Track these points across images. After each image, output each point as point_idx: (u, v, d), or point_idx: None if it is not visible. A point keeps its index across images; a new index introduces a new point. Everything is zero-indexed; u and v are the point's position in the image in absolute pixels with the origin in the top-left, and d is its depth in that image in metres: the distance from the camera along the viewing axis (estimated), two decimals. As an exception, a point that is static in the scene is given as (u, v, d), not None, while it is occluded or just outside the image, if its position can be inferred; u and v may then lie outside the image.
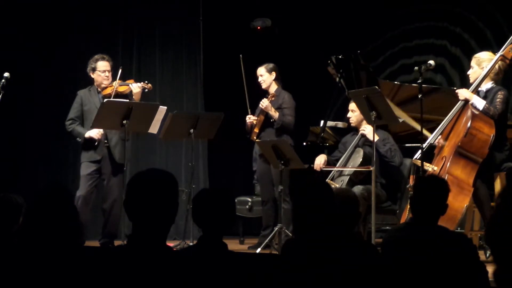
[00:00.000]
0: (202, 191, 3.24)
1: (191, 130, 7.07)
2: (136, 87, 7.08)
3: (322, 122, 7.55)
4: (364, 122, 6.93)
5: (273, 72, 7.46)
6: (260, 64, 7.50)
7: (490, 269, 3.69)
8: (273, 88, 7.47)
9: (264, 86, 7.46)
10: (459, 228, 6.05)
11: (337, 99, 8.03)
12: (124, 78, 7.21)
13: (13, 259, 2.87)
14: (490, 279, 3.65)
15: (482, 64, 6.02)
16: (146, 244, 2.69)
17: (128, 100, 7.03)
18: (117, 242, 7.01)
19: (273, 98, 7.32)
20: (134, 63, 8.98)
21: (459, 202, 5.73)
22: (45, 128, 8.37)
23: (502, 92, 5.97)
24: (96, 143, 7.02)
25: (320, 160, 6.94)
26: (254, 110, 7.52)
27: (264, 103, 7.30)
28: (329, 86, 7.88)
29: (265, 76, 7.45)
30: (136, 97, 7.08)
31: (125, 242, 5.33)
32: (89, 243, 7.03)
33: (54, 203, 2.95)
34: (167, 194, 2.73)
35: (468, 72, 6.13)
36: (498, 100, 5.92)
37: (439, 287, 3.48)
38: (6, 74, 6.80)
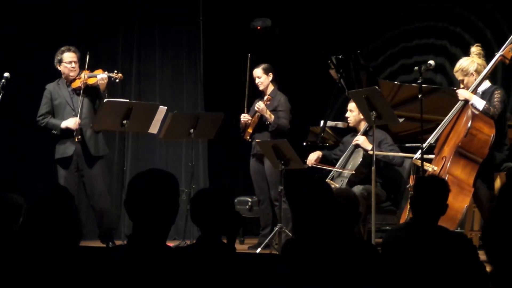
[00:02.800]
0: (199, 191, 3.25)
1: (191, 130, 7.07)
2: (101, 78, 6.96)
3: (322, 122, 7.55)
4: (362, 123, 6.94)
5: (270, 73, 7.45)
6: (258, 64, 7.48)
7: (490, 269, 3.69)
8: (270, 89, 7.46)
9: (261, 87, 7.45)
10: (459, 228, 6.05)
11: (337, 99, 8.03)
12: (92, 68, 7.09)
13: (13, 259, 2.87)
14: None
15: (469, 72, 6.01)
16: (146, 244, 2.69)
17: (127, 100, 7.03)
18: (117, 242, 7.01)
19: (268, 102, 7.31)
20: (134, 63, 8.98)
21: (459, 202, 5.73)
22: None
23: (499, 91, 5.98)
24: (74, 133, 6.89)
25: (313, 157, 6.97)
26: (250, 109, 7.51)
27: (260, 106, 7.28)
28: (329, 86, 7.88)
29: (263, 78, 7.43)
30: (102, 87, 6.98)
31: (125, 242, 5.33)
32: (89, 243, 7.02)
33: (54, 203, 2.95)
34: (168, 195, 2.74)
35: (462, 87, 6.09)
36: (496, 99, 5.92)
37: (439, 287, 3.48)
38: (6, 74, 6.80)
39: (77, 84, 7.03)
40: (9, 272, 2.84)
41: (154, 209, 2.70)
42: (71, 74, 7.05)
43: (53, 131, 7.01)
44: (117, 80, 7.17)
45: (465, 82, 6.06)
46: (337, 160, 7.04)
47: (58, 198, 2.98)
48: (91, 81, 7.00)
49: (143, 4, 9.01)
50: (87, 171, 7.01)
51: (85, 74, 6.95)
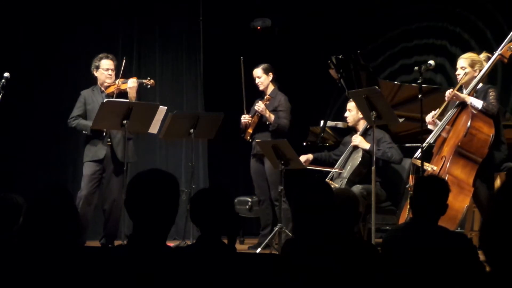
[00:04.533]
0: (199, 191, 3.25)
1: (191, 130, 7.07)
2: (130, 82, 7.06)
3: (322, 122, 7.55)
4: (361, 123, 6.94)
5: (270, 73, 7.45)
6: (258, 65, 7.48)
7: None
8: (270, 89, 7.46)
9: (261, 87, 7.45)
10: (459, 228, 6.06)
11: (337, 99, 8.03)
12: (126, 76, 7.20)
13: (13, 259, 2.87)
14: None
15: (476, 65, 6.02)
16: (146, 244, 2.69)
17: (127, 100, 7.04)
18: (117, 242, 7.01)
19: (267, 102, 7.31)
20: (134, 63, 8.98)
21: (459, 202, 5.73)
22: (45, 128, 8.37)
23: (493, 89, 6.00)
24: (104, 134, 6.96)
25: (302, 159, 6.97)
26: (250, 109, 7.51)
27: (260, 106, 7.28)
28: (329, 86, 7.88)
29: (263, 78, 7.43)
30: (131, 92, 7.05)
31: (125, 242, 5.33)
32: (89, 243, 7.03)
33: (54, 203, 2.95)
34: (168, 195, 2.74)
35: (458, 73, 6.09)
36: (491, 97, 5.93)
37: (439, 287, 3.48)
38: (6, 74, 6.80)
39: (111, 90, 7.10)
40: (9, 272, 2.84)
41: (154, 209, 2.70)
42: (107, 81, 7.13)
43: (84, 131, 7.04)
44: (149, 86, 7.23)
45: (464, 71, 6.02)
46: (337, 161, 7.05)
47: (58, 198, 2.98)
48: (124, 86, 7.10)
49: (143, 4, 9.01)
50: (110, 176, 7.05)
51: (119, 81, 7.03)
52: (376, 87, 6.44)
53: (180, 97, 9.13)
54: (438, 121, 6.11)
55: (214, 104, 9.00)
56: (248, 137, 7.43)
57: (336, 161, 7.06)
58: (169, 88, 9.12)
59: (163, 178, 2.76)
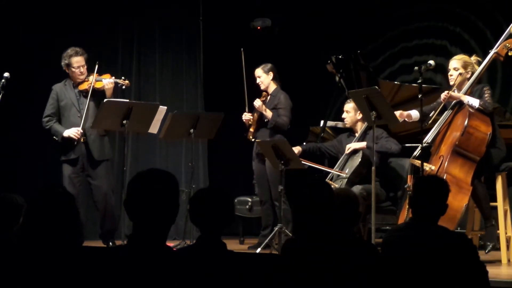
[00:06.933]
0: (198, 191, 3.24)
1: (191, 130, 7.07)
2: (107, 83, 6.97)
3: (322, 122, 7.56)
4: (359, 124, 6.95)
5: (270, 72, 7.45)
6: (259, 65, 7.48)
7: (490, 269, 3.69)
8: (272, 88, 7.46)
9: (262, 87, 7.46)
10: (459, 228, 6.06)
11: (337, 99, 8.03)
12: (101, 72, 7.10)
13: (13, 259, 2.87)
14: (490, 279, 3.65)
15: (468, 67, 6.05)
16: (146, 244, 2.69)
17: (127, 100, 7.03)
18: (117, 242, 7.01)
19: (264, 98, 7.31)
20: (134, 63, 8.98)
21: (458, 201, 5.73)
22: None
23: (488, 87, 6.04)
24: (75, 143, 6.91)
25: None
26: (252, 108, 7.51)
27: (257, 103, 7.29)
28: (329, 86, 7.88)
29: (263, 77, 7.44)
30: (108, 93, 6.97)
31: (125, 242, 5.34)
32: (89, 243, 7.03)
33: (54, 203, 2.95)
34: (168, 195, 2.74)
35: (450, 73, 6.11)
36: (486, 95, 5.96)
37: (439, 287, 3.48)
38: (6, 74, 6.80)
39: (84, 86, 7.04)
40: (9, 272, 2.84)
41: (154, 209, 2.70)
42: (80, 77, 7.05)
43: (54, 137, 7.00)
44: (124, 87, 7.17)
45: (457, 72, 6.06)
46: (329, 153, 7.11)
47: (58, 199, 2.98)
48: (98, 85, 7.00)
49: (143, 4, 9.01)
50: (92, 171, 7.02)
51: (93, 78, 6.96)
52: (376, 87, 6.44)
53: (180, 97, 9.12)
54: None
55: (214, 104, 9.00)
56: (251, 137, 7.42)
57: (327, 153, 7.10)
58: (169, 88, 9.11)
59: (163, 177, 2.76)
